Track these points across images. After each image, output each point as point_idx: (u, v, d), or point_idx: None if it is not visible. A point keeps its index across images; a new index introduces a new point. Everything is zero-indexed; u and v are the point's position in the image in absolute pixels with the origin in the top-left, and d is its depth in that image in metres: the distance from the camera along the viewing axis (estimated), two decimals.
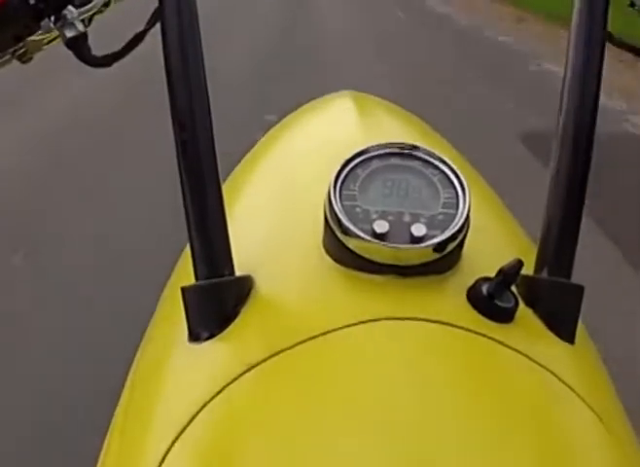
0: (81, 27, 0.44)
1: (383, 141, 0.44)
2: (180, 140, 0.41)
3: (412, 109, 0.79)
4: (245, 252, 0.44)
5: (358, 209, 0.41)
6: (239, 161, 0.73)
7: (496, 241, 0.50)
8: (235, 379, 0.37)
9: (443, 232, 0.40)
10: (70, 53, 0.46)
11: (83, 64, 0.46)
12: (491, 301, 0.39)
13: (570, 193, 0.43)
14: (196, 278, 0.41)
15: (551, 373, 0.38)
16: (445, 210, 0.41)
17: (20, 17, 0.42)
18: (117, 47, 0.47)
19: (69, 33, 0.44)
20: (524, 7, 8.35)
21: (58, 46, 0.47)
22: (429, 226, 0.40)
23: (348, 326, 0.38)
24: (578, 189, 0.43)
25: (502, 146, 3.30)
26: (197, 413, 0.36)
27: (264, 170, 0.66)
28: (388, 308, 0.39)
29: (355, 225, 0.40)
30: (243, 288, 0.42)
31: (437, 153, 0.43)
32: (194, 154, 0.41)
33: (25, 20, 0.43)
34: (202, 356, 0.40)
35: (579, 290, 0.41)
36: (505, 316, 0.39)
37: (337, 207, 0.40)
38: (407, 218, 0.40)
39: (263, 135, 0.78)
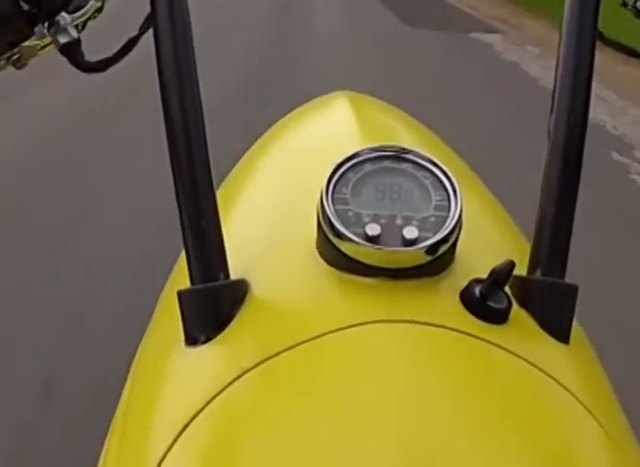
0: (74, 33, 0.45)
1: (380, 141, 0.44)
2: (173, 144, 0.42)
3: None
4: (240, 255, 0.45)
5: (350, 213, 0.41)
6: (238, 161, 0.73)
7: (491, 242, 0.50)
8: (232, 382, 0.37)
9: (434, 234, 0.40)
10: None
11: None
12: (484, 302, 0.39)
13: (562, 192, 0.43)
14: (192, 282, 0.42)
15: (546, 373, 0.38)
16: (437, 213, 0.41)
17: (14, 23, 0.42)
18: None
19: (63, 39, 0.45)
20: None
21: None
22: (421, 228, 0.40)
23: (342, 329, 0.38)
24: (570, 189, 0.43)
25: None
26: (195, 415, 0.36)
27: (260, 172, 0.66)
28: (382, 311, 0.39)
29: (347, 228, 0.40)
30: (238, 291, 0.42)
31: (428, 155, 0.43)
32: (187, 158, 0.41)
33: (19, 27, 0.43)
34: (199, 359, 0.40)
35: (573, 290, 0.41)
36: (498, 317, 0.39)
37: (329, 211, 0.41)
38: (399, 221, 0.41)
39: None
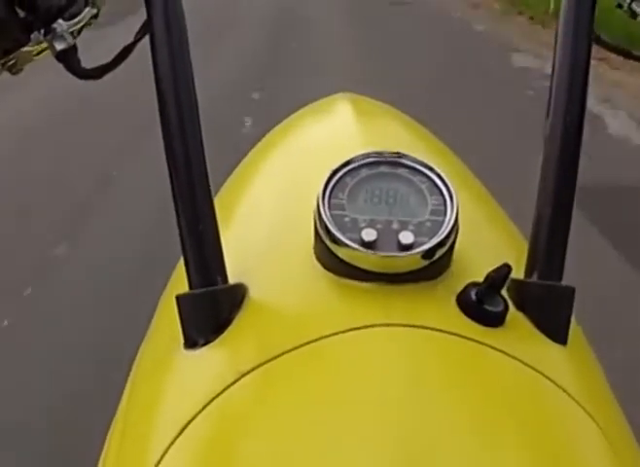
0: (70, 40, 0.45)
1: (380, 145, 0.44)
2: (170, 149, 0.42)
3: None
4: (238, 259, 0.45)
5: (347, 218, 0.41)
6: (239, 162, 0.73)
7: (488, 246, 0.50)
8: (230, 385, 0.37)
9: (430, 239, 0.40)
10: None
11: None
12: (480, 305, 0.39)
13: (559, 194, 0.43)
14: (190, 287, 0.42)
15: (544, 375, 0.38)
16: (433, 217, 0.41)
17: (10, 30, 0.42)
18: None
19: (59, 46, 0.45)
20: None
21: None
22: (417, 233, 0.40)
23: (340, 332, 0.38)
24: (567, 190, 0.43)
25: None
26: (194, 417, 0.37)
27: (260, 176, 0.66)
28: (379, 315, 0.39)
29: (344, 234, 0.40)
30: (237, 296, 0.42)
31: (424, 160, 0.44)
32: (184, 163, 0.42)
33: (15, 34, 0.43)
34: (198, 362, 0.41)
35: (570, 292, 0.42)
36: (495, 320, 0.40)
37: (325, 216, 0.41)
38: (395, 226, 0.41)
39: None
